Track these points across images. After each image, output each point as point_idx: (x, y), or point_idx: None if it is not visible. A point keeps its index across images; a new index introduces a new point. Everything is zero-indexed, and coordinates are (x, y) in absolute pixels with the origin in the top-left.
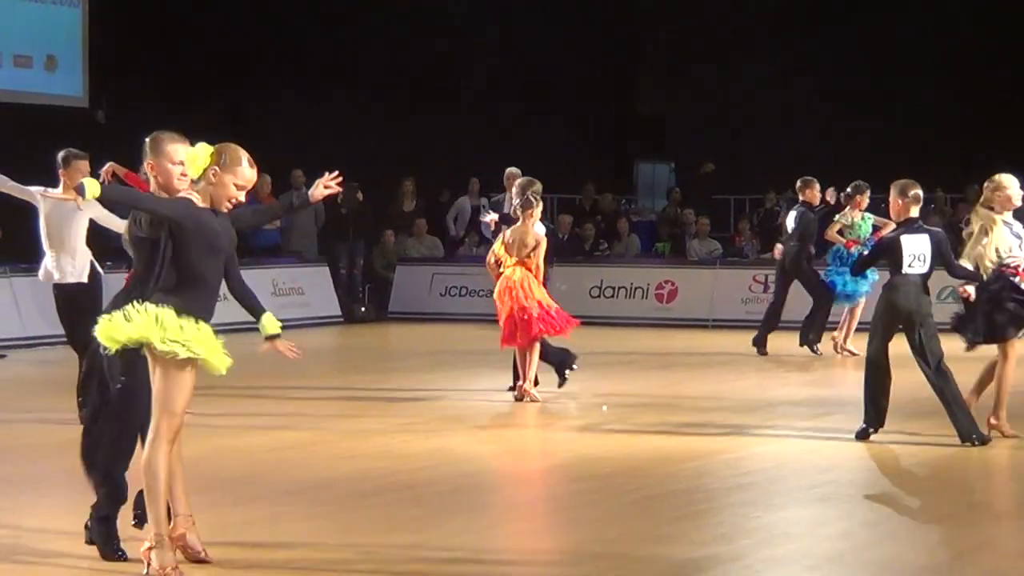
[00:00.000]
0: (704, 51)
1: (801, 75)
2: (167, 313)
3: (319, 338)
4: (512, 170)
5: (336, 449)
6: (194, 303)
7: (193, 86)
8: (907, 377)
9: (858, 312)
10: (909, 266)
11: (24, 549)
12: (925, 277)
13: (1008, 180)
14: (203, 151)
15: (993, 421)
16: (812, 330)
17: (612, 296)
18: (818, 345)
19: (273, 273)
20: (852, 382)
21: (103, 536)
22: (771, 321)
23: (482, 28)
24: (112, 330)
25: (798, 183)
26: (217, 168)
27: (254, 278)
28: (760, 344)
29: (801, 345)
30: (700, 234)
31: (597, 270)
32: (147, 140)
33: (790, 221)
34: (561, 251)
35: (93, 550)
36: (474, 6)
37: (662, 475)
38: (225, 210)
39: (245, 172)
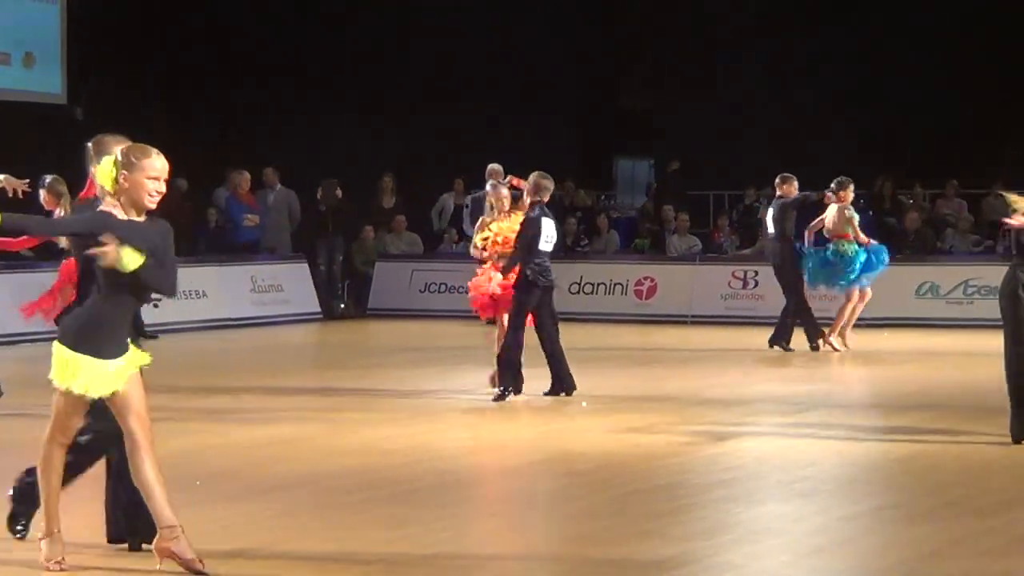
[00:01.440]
0: (687, 48)
1: (783, 73)
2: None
3: (298, 335)
4: (494, 166)
5: (316, 446)
6: (113, 318)
7: (173, 83)
8: (890, 372)
9: (851, 307)
10: None
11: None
12: None
13: None
14: (107, 163)
15: None
16: (783, 333)
17: (591, 292)
18: (789, 344)
19: (252, 270)
20: (832, 378)
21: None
22: (807, 317)
23: (465, 24)
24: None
25: (777, 179)
26: (125, 172)
27: (233, 275)
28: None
29: (771, 345)
30: (680, 230)
31: (576, 266)
32: (90, 144)
33: (771, 218)
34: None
35: (68, 548)
36: (457, 2)
37: (642, 471)
38: (152, 206)
39: (154, 164)
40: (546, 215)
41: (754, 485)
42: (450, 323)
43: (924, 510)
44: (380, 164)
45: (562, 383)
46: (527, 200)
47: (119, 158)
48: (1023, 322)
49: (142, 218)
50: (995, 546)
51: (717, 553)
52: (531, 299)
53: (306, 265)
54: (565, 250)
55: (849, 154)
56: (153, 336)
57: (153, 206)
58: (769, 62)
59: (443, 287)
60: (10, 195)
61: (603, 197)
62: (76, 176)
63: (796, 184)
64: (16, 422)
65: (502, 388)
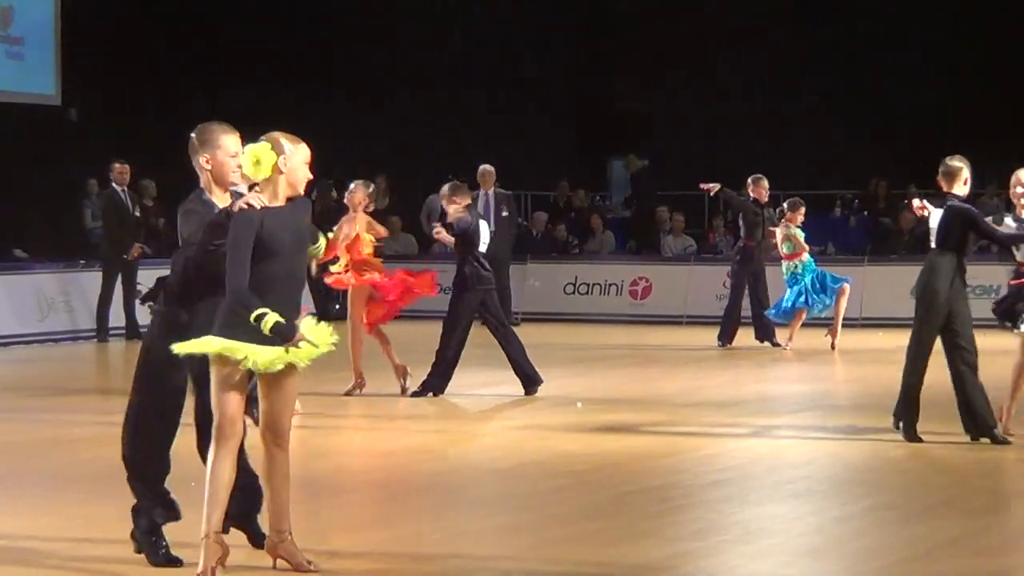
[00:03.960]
0: (682, 48)
1: (778, 72)
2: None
3: None
4: (486, 167)
5: (310, 446)
6: (270, 307)
7: (169, 84)
8: (884, 372)
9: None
10: (930, 240)
11: None
12: (940, 252)
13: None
14: (266, 151)
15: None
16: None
17: (586, 293)
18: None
19: None
20: (827, 379)
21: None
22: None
23: (458, 23)
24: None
25: (749, 180)
26: (284, 155)
27: None
28: (728, 338)
29: (761, 340)
30: (675, 231)
31: (571, 267)
32: (194, 134)
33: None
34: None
35: (64, 549)
36: (451, 2)
37: (637, 472)
38: (302, 191)
39: (305, 150)
40: (481, 216)
41: (749, 486)
42: None
43: (918, 510)
44: (374, 165)
45: (529, 381)
46: (452, 207)
47: (275, 143)
48: None
49: (280, 202)
50: (990, 545)
51: (712, 554)
52: (471, 301)
53: None
54: (559, 251)
55: (845, 153)
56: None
57: (302, 192)
58: (764, 61)
59: (438, 287)
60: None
61: (598, 197)
62: (71, 178)
63: (766, 184)
64: (4, 426)
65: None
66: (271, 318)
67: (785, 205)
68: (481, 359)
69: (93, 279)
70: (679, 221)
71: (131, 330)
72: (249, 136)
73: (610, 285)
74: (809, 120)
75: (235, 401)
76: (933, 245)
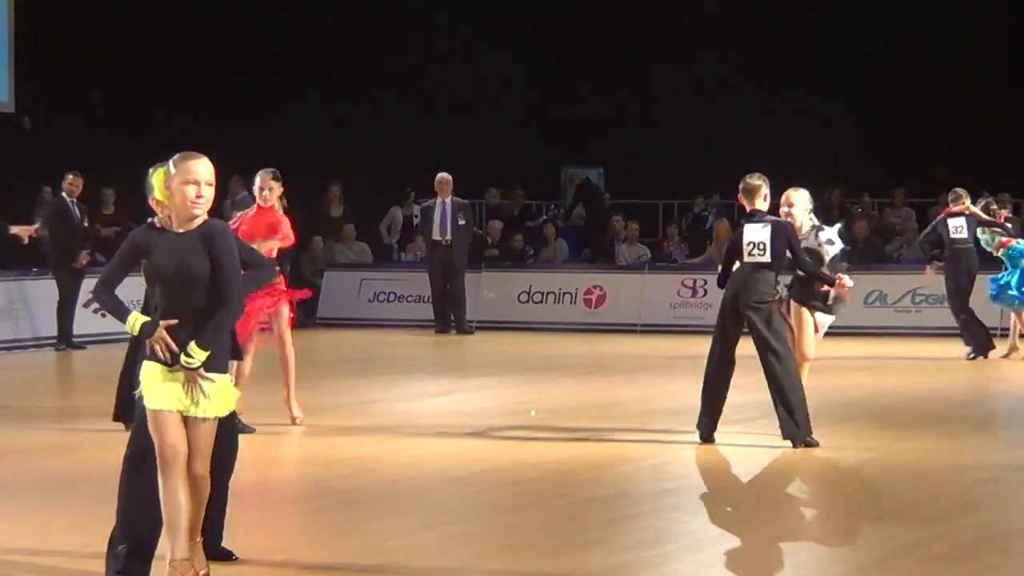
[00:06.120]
0: (635, 56)
1: (732, 81)
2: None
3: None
4: (443, 175)
5: (262, 455)
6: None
7: (125, 92)
8: (838, 381)
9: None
10: (749, 255)
11: None
12: (766, 266)
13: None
14: (159, 172)
15: None
16: None
17: (541, 302)
18: None
19: None
20: None
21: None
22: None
23: (413, 33)
24: None
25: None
26: (168, 177)
27: None
28: None
29: None
30: (629, 239)
31: (525, 276)
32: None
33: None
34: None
35: (19, 558)
36: (405, 9)
37: (589, 480)
38: (196, 213)
39: (190, 167)
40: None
41: (700, 494)
42: (399, 332)
43: (873, 517)
44: (327, 173)
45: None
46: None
47: (169, 165)
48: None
49: (180, 227)
50: (943, 552)
51: (664, 562)
52: None
53: None
54: (513, 259)
55: (798, 163)
56: (79, 347)
57: (197, 214)
58: (717, 70)
59: (392, 296)
60: (25, 242)
61: (552, 206)
62: (25, 186)
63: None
64: None
65: None
66: (137, 320)
67: (986, 204)
68: (435, 368)
69: (45, 287)
70: (633, 230)
71: (64, 339)
72: (202, 147)
73: (564, 294)
74: (763, 128)
75: (169, 425)
76: (762, 260)
